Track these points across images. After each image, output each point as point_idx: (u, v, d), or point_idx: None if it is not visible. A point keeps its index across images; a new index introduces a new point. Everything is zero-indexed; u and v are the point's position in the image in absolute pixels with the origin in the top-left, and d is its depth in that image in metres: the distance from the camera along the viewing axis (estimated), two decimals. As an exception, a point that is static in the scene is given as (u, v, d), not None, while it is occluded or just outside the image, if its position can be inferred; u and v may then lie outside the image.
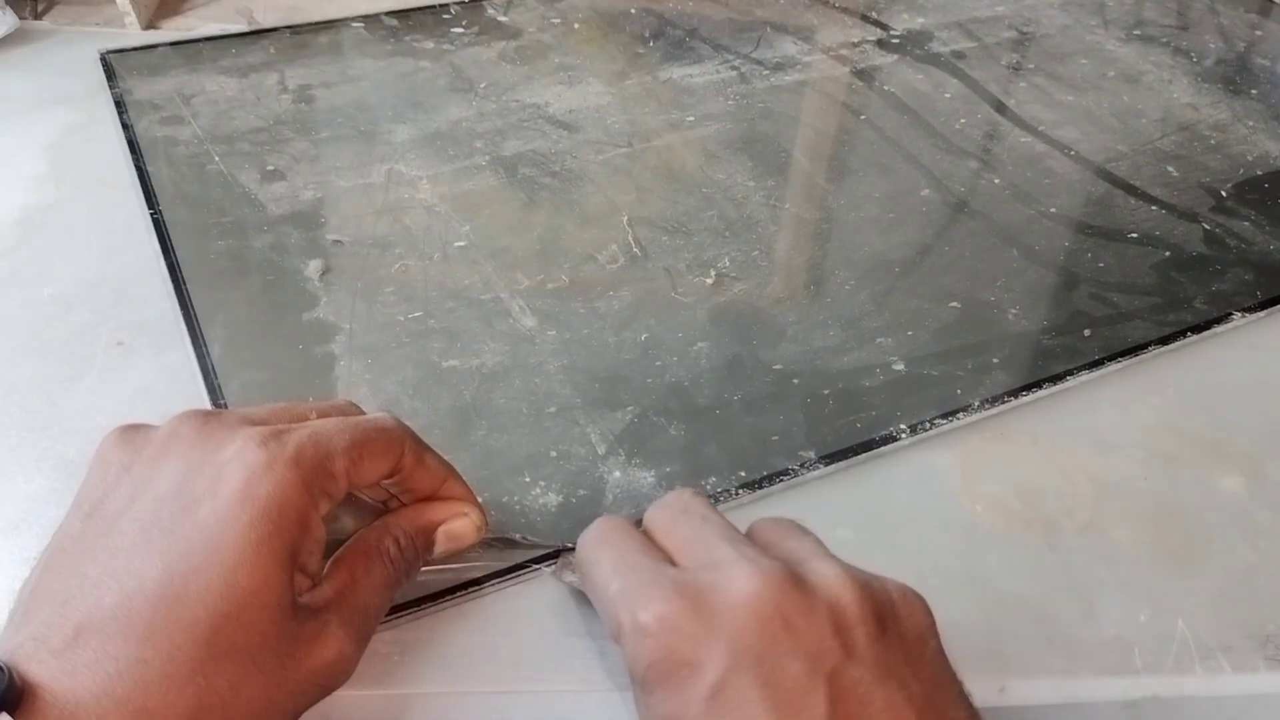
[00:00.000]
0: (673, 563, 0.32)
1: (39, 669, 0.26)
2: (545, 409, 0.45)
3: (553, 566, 0.38)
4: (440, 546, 0.35)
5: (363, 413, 0.36)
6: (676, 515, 0.34)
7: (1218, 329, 0.53)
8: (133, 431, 0.32)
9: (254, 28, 0.74)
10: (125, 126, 0.62)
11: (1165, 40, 0.82)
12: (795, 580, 0.29)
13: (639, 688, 0.30)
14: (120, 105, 0.64)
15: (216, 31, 0.74)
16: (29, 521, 0.40)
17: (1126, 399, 0.49)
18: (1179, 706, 0.38)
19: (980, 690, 0.37)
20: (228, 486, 0.28)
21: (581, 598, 0.37)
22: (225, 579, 0.27)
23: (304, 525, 0.29)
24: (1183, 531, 0.43)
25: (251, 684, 0.27)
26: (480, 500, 0.37)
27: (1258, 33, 0.84)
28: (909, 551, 0.41)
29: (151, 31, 0.74)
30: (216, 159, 0.60)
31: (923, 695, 0.28)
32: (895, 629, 0.29)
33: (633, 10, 0.79)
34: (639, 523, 0.35)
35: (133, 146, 0.60)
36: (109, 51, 0.70)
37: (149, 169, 0.58)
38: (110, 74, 0.67)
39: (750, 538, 0.34)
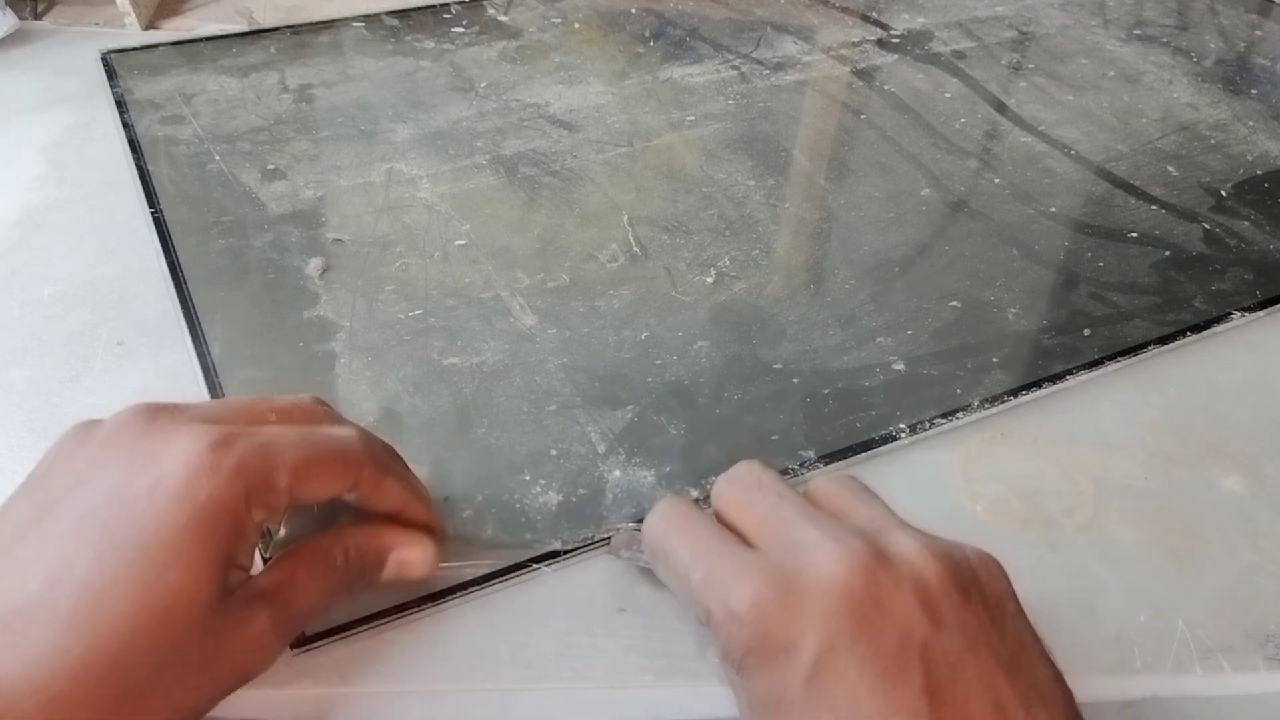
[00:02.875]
0: (748, 542, 0.32)
1: None
2: (545, 407, 0.45)
3: (553, 566, 0.39)
4: (389, 572, 0.35)
5: (330, 410, 0.36)
6: (750, 491, 0.34)
7: (1217, 328, 0.53)
8: (88, 424, 0.32)
9: (254, 28, 0.74)
10: (126, 126, 0.62)
11: (1165, 40, 0.82)
12: (880, 558, 0.30)
13: (734, 672, 0.30)
14: (121, 105, 0.64)
15: (216, 32, 0.74)
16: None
17: (1127, 399, 0.49)
18: (1179, 706, 0.38)
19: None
20: (167, 486, 0.28)
21: (650, 577, 0.37)
22: (155, 575, 0.27)
23: (238, 532, 0.29)
24: (1183, 531, 0.43)
25: (172, 674, 0.28)
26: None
27: (1257, 32, 0.84)
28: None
29: (152, 31, 0.74)
30: (217, 158, 0.60)
31: (1010, 656, 0.29)
32: (978, 595, 0.30)
33: (633, 10, 0.80)
34: (699, 500, 0.35)
35: (133, 146, 0.60)
36: (110, 51, 0.70)
37: (149, 168, 0.58)
38: (111, 74, 0.67)
39: (817, 502, 0.34)
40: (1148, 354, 0.51)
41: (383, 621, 0.36)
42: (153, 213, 0.55)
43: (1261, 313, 0.54)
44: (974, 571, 0.31)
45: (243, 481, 0.29)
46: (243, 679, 0.30)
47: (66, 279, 0.52)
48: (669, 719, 0.36)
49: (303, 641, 0.35)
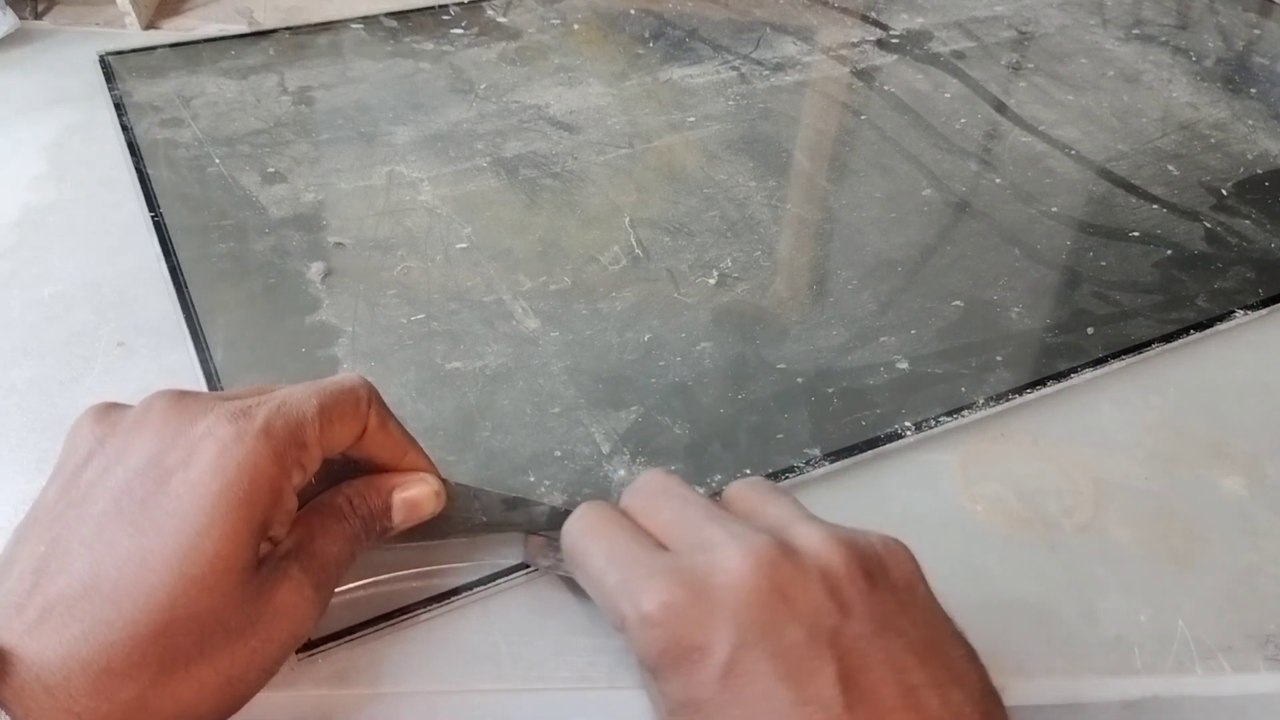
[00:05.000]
0: (661, 546, 0.32)
1: (6, 634, 0.27)
2: (549, 409, 0.45)
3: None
4: (399, 514, 0.35)
5: None
6: (656, 498, 0.34)
7: (1220, 326, 0.53)
8: (108, 408, 0.32)
9: (254, 28, 0.74)
10: (125, 129, 0.62)
11: (1164, 40, 0.82)
12: (785, 550, 0.30)
13: (650, 675, 0.30)
14: (120, 107, 0.64)
15: (216, 32, 0.74)
16: (30, 522, 0.40)
17: (1127, 399, 0.49)
18: (1179, 706, 0.38)
19: (981, 690, 0.37)
20: (200, 459, 0.29)
21: (571, 585, 0.37)
22: (193, 543, 0.28)
23: (276, 495, 0.30)
24: (1183, 531, 0.43)
25: (216, 642, 0.28)
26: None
27: (1256, 32, 0.84)
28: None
29: (152, 31, 0.74)
30: (217, 161, 0.60)
31: (921, 640, 0.30)
32: (885, 580, 0.31)
33: (632, 11, 0.79)
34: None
35: (132, 149, 0.60)
36: (108, 53, 0.70)
37: (149, 171, 0.58)
38: (109, 76, 0.67)
39: (728, 506, 0.34)
40: (1150, 353, 0.51)
41: (385, 625, 0.36)
42: (153, 216, 0.55)
43: (1264, 311, 0.54)
44: (880, 558, 0.31)
45: (270, 444, 0.30)
46: (289, 640, 0.31)
47: (66, 279, 0.52)
48: None
49: (308, 646, 0.35)
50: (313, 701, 0.35)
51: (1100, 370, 0.49)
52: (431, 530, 0.36)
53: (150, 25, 0.75)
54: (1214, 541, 0.42)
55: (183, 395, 0.32)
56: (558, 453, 0.43)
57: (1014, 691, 0.37)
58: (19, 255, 0.53)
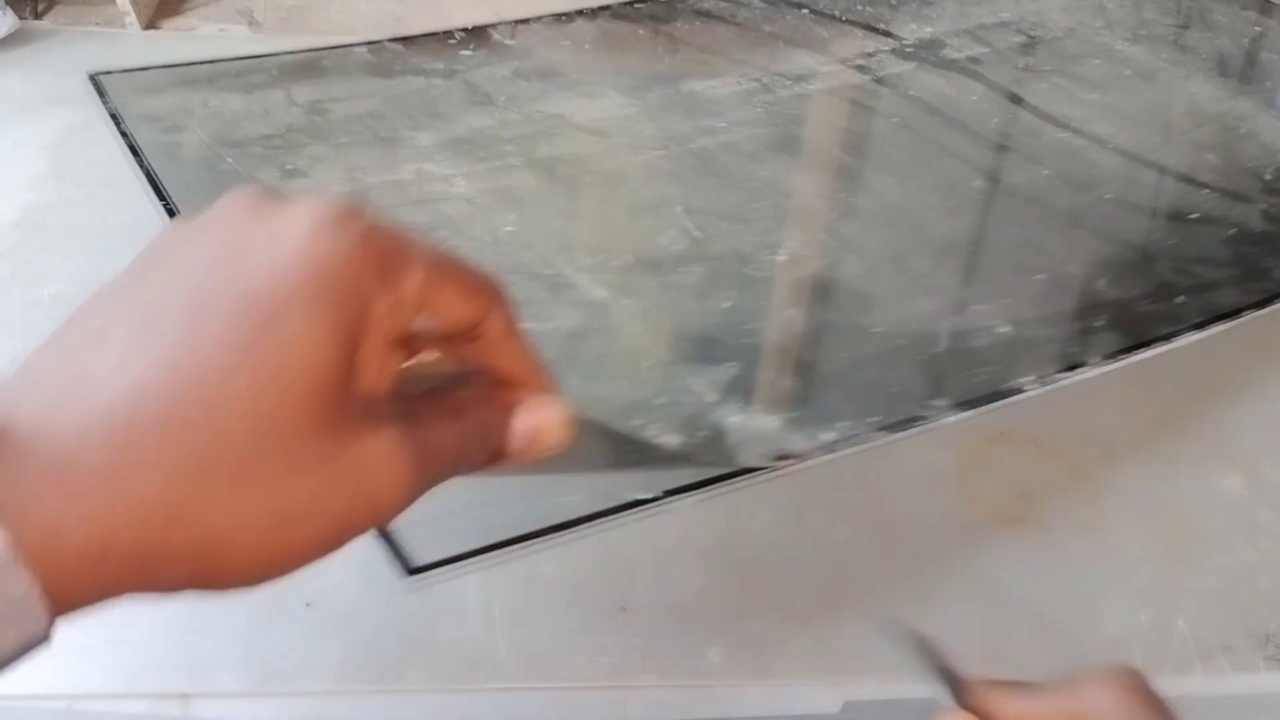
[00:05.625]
0: None
1: (12, 396, 0.22)
2: (639, 364, 0.47)
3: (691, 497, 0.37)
4: (520, 438, 0.28)
5: None
6: None
7: (1220, 326, 0.53)
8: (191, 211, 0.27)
9: (255, 29, 0.74)
10: (124, 135, 0.61)
11: (1171, 39, 0.82)
12: None
13: None
14: (116, 118, 0.62)
15: (216, 33, 0.74)
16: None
17: (1127, 399, 0.49)
18: (1179, 706, 0.38)
19: (980, 690, 0.37)
20: (285, 239, 0.23)
21: None
22: (261, 327, 0.22)
23: (363, 311, 0.23)
24: (1183, 531, 0.43)
25: (274, 461, 0.22)
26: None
27: (1258, 29, 0.85)
28: (909, 551, 0.41)
29: (152, 31, 0.74)
30: (229, 160, 0.59)
31: None
32: None
33: (641, 32, 0.79)
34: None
35: (135, 151, 0.59)
36: (99, 73, 0.67)
37: (156, 169, 0.57)
38: (101, 93, 0.65)
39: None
40: (1148, 353, 0.51)
41: (499, 551, 0.34)
42: (164, 205, 0.54)
43: (1265, 309, 0.55)
44: None
45: (371, 251, 0.24)
46: (363, 508, 0.24)
47: (67, 279, 0.52)
48: (669, 719, 0.36)
49: (418, 570, 0.35)
50: (314, 700, 0.35)
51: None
52: (546, 464, 0.31)
53: (150, 25, 0.75)
54: (1214, 541, 0.42)
55: (271, 192, 0.26)
56: (660, 400, 0.44)
57: (1014, 691, 0.37)
58: (19, 255, 0.53)
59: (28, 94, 0.66)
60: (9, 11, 0.72)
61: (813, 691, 0.36)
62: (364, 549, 0.40)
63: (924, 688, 0.36)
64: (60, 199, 0.57)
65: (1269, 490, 0.45)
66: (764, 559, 0.40)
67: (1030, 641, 0.38)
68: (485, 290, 0.27)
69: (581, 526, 0.37)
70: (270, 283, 0.23)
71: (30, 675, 0.35)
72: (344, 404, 0.23)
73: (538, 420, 0.28)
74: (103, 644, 0.36)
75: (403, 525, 0.36)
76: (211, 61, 0.70)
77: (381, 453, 0.24)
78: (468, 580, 0.39)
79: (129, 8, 0.73)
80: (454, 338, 0.27)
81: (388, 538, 0.38)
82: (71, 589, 0.20)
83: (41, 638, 0.20)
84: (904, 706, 0.37)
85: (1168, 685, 0.37)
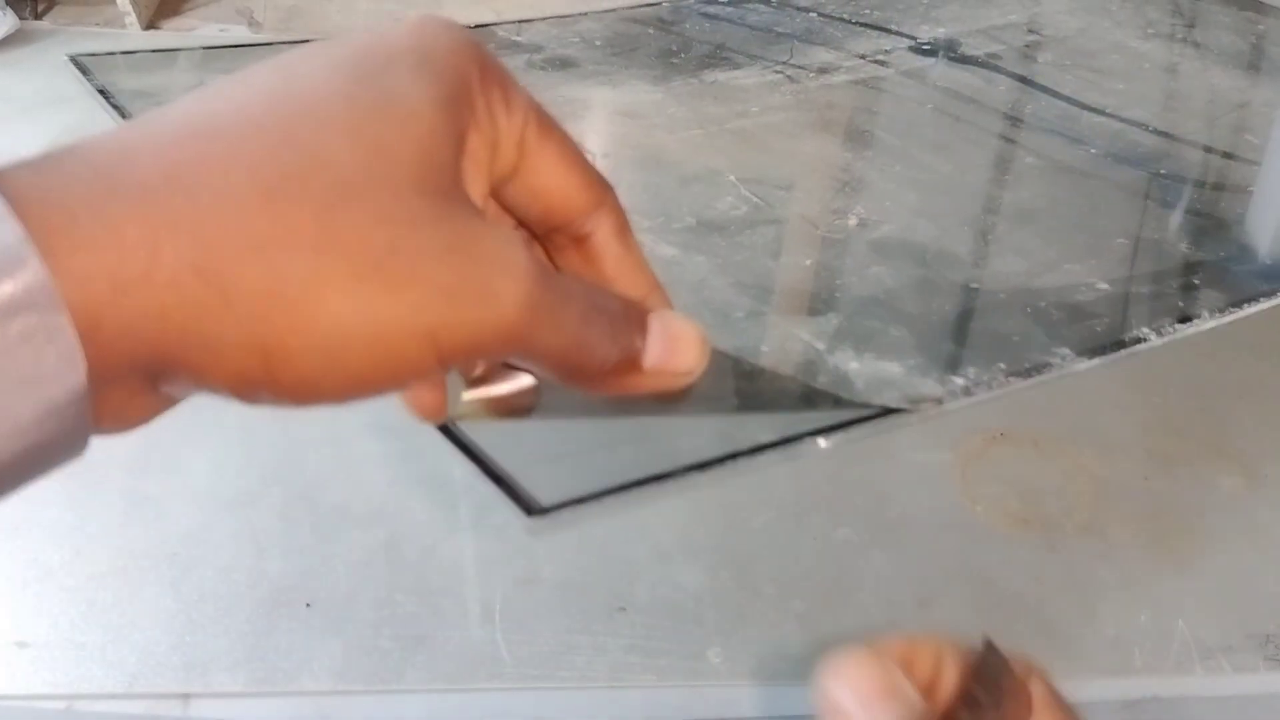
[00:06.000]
0: None
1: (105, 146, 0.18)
2: (732, 314, 0.46)
3: (828, 439, 0.34)
4: (656, 345, 0.23)
5: None
6: None
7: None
8: None
9: (255, 29, 0.74)
10: (116, 109, 0.60)
11: (1180, 37, 0.83)
12: None
13: None
14: (105, 93, 0.62)
15: (216, 32, 0.74)
16: (29, 523, 0.40)
17: (1127, 398, 0.49)
18: (1179, 707, 0.38)
19: (980, 690, 0.37)
20: (396, 26, 0.21)
21: None
22: (375, 77, 0.19)
23: (468, 97, 0.20)
24: (1183, 531, 0.43)
25: (389, 197, 0.18)
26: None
27: (1260, 27, 0.86)
28: (909, 551, 0.41)
29: (152, 32, 0.74)
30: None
31: None
32: None
33: (651, 30, 0.79)
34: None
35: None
36: (81, 55, 0.67)
37: None
38: (85, 71, 0.65)
39: None
40: (1147, 351, 0.51)
41: (621, 493, 0.31)
42: None
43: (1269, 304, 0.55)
44: None
45: (480, 53, 0.21)
46: (477, 301, 0.19)
47: (67, 279, 0.51)
48: (669, 719, 0.36)
49: (541, 511, 0.33)
50: (314, 700, 0.35)
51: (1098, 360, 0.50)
52: (667, 404, 0.26)
53: (150, 25, 0.75)
54: (1214, 541, 0.42)
55: None
56: (764, 348, 0.44)
57: (1014, 691, 0.37)
58: (19, 255, 0.53)
59: (28, 94, 0.66)
60: (9, 11, 0.72)
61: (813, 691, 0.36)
62: (366, 547, 0.40)
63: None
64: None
65: (1269, 490, 0.45)
66: (764, 559, 0.40)
67: (1030, 641, 0.38)
68: (597, 176, 0.23)
69: (713, 468, 0.33)
70: (378, 43, 0.20)
71: (30, 675, 0.35)
72: (452, 181, 0.19)
73: (675, 331, 0.23)
74: (103, 644, 0.36)
75: (520, 465, 0.34)
76: (206, 48, 0.71)
77: (499, 239, 0.19)
78: (468, 580, 0.39)
79: (129, 8, 0.73)
80: (557, 233, 0.23)
81: (504, 480, 0.35)
82: (98, 305, 0.16)
83: (61, 334, 0.15)
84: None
85: (1168, 685, 0.37)
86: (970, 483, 0.44)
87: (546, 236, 0.23)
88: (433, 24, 0.21)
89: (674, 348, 0.23)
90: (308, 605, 0.38)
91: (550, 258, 0.24)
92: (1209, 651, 0.38)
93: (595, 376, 0.22)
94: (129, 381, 0.17)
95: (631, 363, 0.22)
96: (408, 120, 0.19)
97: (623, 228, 0.24)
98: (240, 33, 0.76)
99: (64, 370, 0.15)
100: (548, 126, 0.22)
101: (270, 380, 0.17)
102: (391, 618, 0.37)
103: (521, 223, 0.23)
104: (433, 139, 0.19)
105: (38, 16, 0.76)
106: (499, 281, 0.19)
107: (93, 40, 0.72)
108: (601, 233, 0.24)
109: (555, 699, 0.35)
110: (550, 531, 0.31)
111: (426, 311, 0.18)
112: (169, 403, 0.19)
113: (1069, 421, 0.47)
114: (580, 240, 0.23)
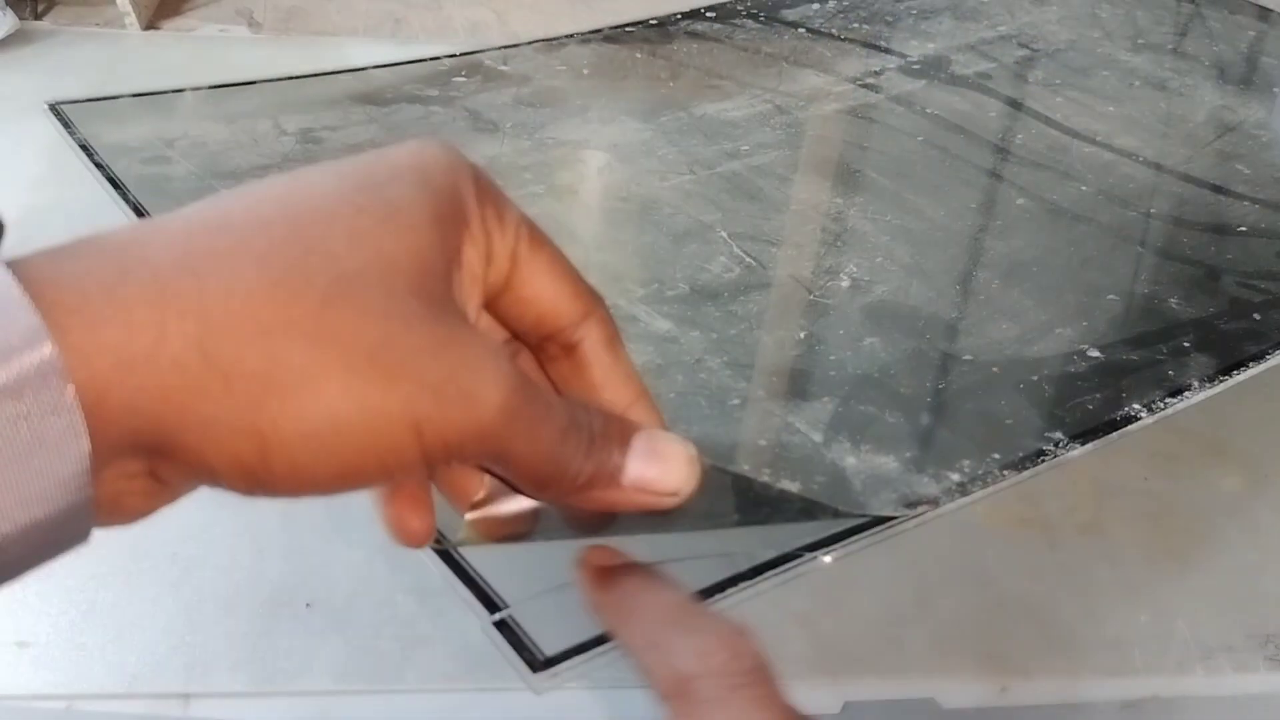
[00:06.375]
0: None
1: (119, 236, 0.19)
2: (727, 401, 0.45)
3: (830, 554, 0.34)
4: (637, 463, 0.23)
5: None
6: None
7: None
8: None
9: (255, 29, 0.74)
10: (100, 167, 0.57)
11: (1171, 47, 0.82)
12: None
13: None
14: (87, 149, 0.59)
15: (216, 33, 0.74)
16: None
17: (1125, 434, 0.49)
18: (1179, 706, 0.38)
19: (980, 690, 0.37)
20: (393, 148, 0.22)
21: None
22: (375, 188, 0.20)
23: (463, 215, 0.22)
24: (1183, 531, 0.43)
25: (372, 287, 0.19)
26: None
27: (1251, 34, 0.85)
28: (909, 551, 0.41)
29: (152, 32, 0.74)
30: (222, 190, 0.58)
31: None
32: None
33: (638, 55, 0.78)
34: None
35: (116, 184, 0.56)
36: (60, 103, 0.64)
37: (142, 203, 0.54)
38: (66, 124, 0.62)
39: None
40: (1252, 369, 0.51)
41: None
42: None
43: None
44: None
45: (475, 174, 0.23)
46: (460, 403, 0.19)
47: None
48: (669, 719, 0.36)
49: (547, 664, 0.33)
50: (314, 700, 0.35)
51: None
52: (661, 520, 0.26)
53: (150, 25, 0.75)
54: (1214, 541, 0.42)
55: None
56: (762, 442, 0.43)
57: (1014, 691, 0.37)
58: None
59: (28, 94, 0.66)
60: (9, 11, 0.72)
61: (813, 691, 0.36)
62: (366, 547, 0.40)
63: (924, 687, 0.36)
64: (60, 199, 0.57)
65: (1269, 490, 0.45)
66: (764, 559, 0.40)
67: (1030, 641, 0.38)
68: (586, 287, 0.24)
69: (714, 596, 0.34)
70: (382, 160, 0.21)
71: (30, 675, 0.35)
72: (445, 290, 0.20)
73: (661, 450, 0.23)
74: (103, 644, 0.36)
75: (519, 611, 0.34)
76: (180, 90, 0.67)
77: (485, 347, 0.20)
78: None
79: (129, 8, 0.73)
80: (549, 341, 0.24)
81: (508, 629, 0.34)
82: (103, 381, 0.17)
83: (66, 406, 0.16)
84: (904, 706, 0.37)
85: (1168, 685, 0.37)
86: (970, 483, 0.44)
87: (539, 346, 0.24)
88: (433, 146, 0.22)
89: (657, 467, 0.23)
90: (308, 605, 0.38)
91: (543, 367, 0.25)
92: (1209, 651, 0.38)
93: (569, 490, 0.22)
94: (128, 464, 0.18)
95: (610, 479, 0.23)
96: (407, 231, 0.20)
97: (612, 337, 0.25)
98: (240, 33, 0.76)
99: (68, 440, 0.16)
100: (539, 239, 0.24)
101: (264, 466, 0.18)
102: (392, 618, 0.37)
103: (515, 334, 0.24)
104: (429, 249, 0.20)
105: (38, 16, 0.76)
106: (481, 385, 0.20)
107: (93, 40, 0.72)
108: (590, 341, 0.24)
109: (556, 699, 0.35)
110: (555, 689, 0.32)
111: (413, 405, 0.19)
112: (168, 495, 0.19)
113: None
114: (570, 349, 0.24)
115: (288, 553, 0.40)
